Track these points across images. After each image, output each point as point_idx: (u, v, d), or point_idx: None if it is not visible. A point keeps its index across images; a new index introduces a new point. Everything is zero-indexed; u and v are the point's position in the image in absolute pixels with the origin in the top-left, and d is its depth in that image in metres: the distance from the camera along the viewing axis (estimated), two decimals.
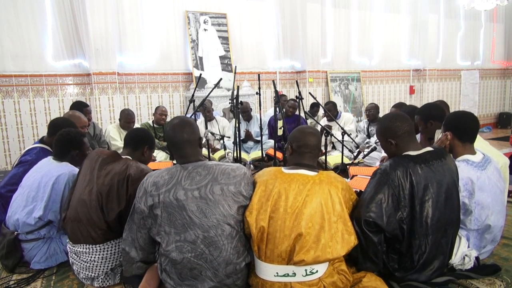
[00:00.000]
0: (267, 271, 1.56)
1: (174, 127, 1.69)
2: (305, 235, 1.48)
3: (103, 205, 1.89)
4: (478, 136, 2.15)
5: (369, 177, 2.95)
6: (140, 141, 2.13)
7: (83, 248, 1.91)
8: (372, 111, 4.63)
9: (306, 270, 1.52)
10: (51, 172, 2.13)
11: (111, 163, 1.97)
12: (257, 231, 1.55)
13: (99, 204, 1.89)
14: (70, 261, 2.00)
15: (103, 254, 1.92)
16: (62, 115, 3.42)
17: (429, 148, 1.80)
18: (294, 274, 1.53)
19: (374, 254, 1.64)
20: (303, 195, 1.54)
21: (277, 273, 1.54)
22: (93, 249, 1.91)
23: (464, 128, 1.99)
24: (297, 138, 1.72)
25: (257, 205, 1.58)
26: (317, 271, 1.54)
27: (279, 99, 3.51)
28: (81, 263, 1.93)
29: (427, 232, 1.66)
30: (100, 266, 1.92)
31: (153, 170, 1.81)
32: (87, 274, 1.94)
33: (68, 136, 2.22)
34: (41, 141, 2.59)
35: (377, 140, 2.04)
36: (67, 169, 2.15)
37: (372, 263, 1.66)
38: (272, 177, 1.63)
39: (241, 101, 3.58)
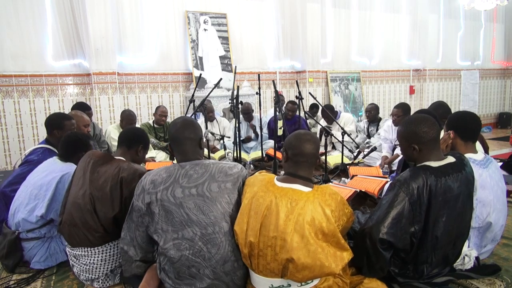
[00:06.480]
0: (261, 282, 1.54)
1: (177, 125, 1.72)
2: (298, 257, 1.41)
3: (97, 208, 1.88)
4: None
5: (369, 177, 3.01)
6: (134, 140, 2.11)
7: (81, 251, 1.91)
8: (372, 112, 4.64)
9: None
10: (55, 171, 2.14)
11: (103, 165, 1.95)
12: (247, 247, 1.50)
13: (93, 208, 1.87)
14: (70, 263, 2.00)
15: (102, 256, 1.91)
16: None
17: (451, 159, 1.70)
18: (289, 285, 1.51)
19: (381, 269, 1.63)
20: (295, 213, 1.44)
21: (271, 285, 1.52)
22: (91, 252, 1.90)
23: (466, 127, 2.00)
24: (293, 145, 1.58)
25: (246, 217, 1.52)
26: (312, 281, 1.51)
27: (279, 99, 3.50)
28: (81, 266, 1.93)
29: (436, 246, 1.64)
30: (100, 268, 1.92)
31: (149, 170, 1.81)
32: (87, 276, 1.94)
33: (76, 138, 2.26)
34: (46, 141, 2.61)
35: (397, 142, 2.01)
36: (72, 169, 2.14)
37: (377, 275, 1.66)
38: (263, 189, 1.54)
39: (241, 101, 3.57)
